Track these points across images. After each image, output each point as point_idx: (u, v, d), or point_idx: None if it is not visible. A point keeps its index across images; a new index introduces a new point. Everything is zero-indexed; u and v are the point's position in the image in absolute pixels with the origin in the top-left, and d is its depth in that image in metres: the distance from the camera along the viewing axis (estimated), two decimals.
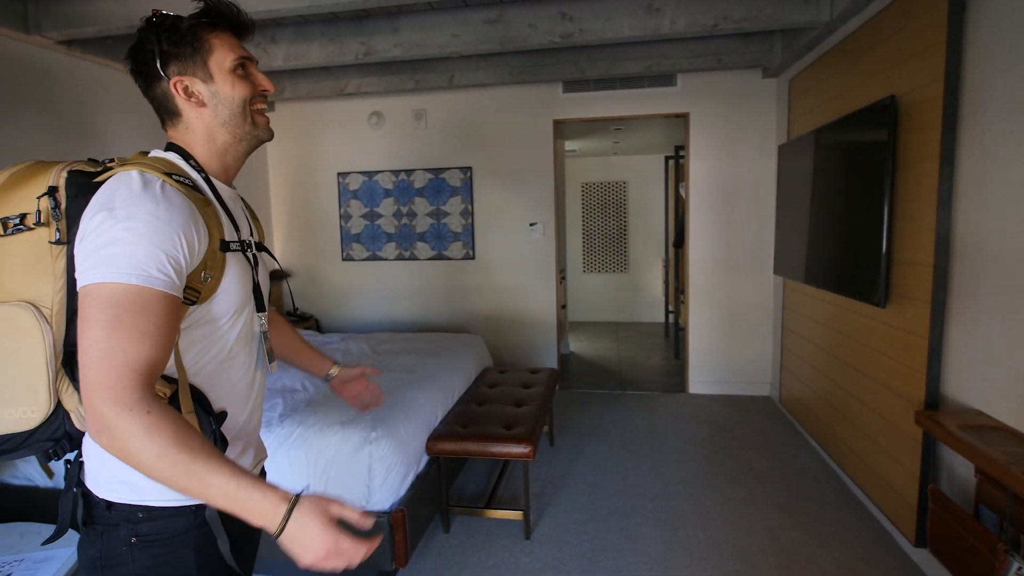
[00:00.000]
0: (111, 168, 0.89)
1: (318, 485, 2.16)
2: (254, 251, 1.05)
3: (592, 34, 3.21)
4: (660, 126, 5.37)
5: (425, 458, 2.50)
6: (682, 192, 5.50)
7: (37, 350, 0.87)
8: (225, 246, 0.94)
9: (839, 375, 3.04)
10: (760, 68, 4.12)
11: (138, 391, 0.77)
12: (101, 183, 0.87)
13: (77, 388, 0.89)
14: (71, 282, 0.86)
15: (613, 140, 6.23)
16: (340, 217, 4.95)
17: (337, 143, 4.89)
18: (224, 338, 0.96)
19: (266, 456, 1.18)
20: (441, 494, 2.59)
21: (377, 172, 4.82)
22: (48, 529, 1.77)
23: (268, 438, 2.23)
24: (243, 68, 0.99)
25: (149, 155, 0.95)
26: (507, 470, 3.12)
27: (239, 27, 1.00)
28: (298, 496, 0.80)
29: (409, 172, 4.77)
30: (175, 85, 0.94)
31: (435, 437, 2.53)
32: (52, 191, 0.87)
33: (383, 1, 2.71)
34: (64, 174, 0.89)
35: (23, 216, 0.87)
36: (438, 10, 3.31)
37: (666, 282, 6.37)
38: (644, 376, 5.01)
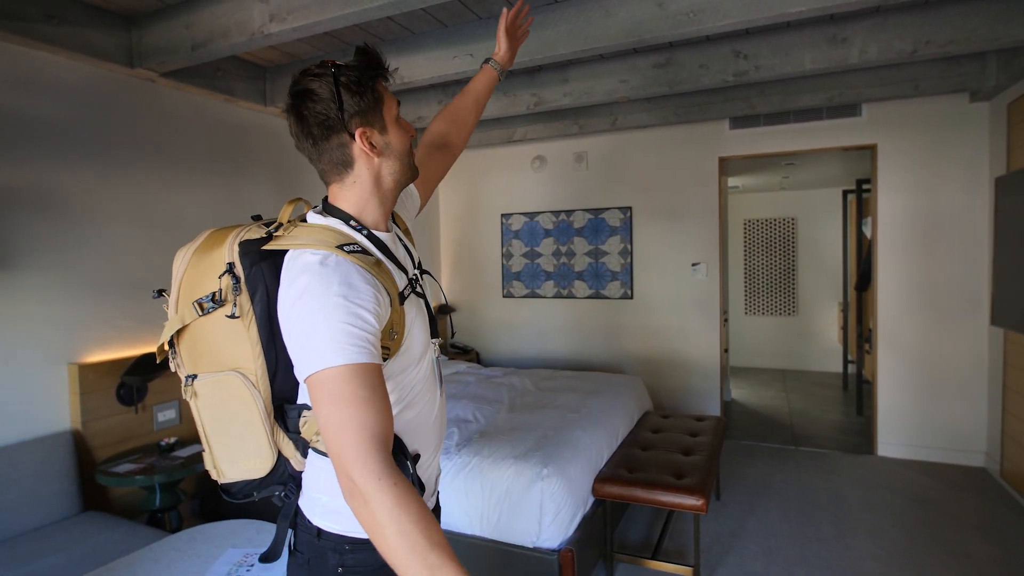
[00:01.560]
0: (277, 236, 0.93)
1: (492, 516, 2.25)
2: (421, 282, 1.07)
3: (769, 70, 3.07)
4: (838, 159, 4.96)
5: (591, 500, 2.49)
6: (865, 230, 5.00)
7: (252, 411, 0.94)
8: (402, 298, 0.96)
9: None
10: (967, 92, 3.66)
11: (378, 458, 0.78)
12: (269, 251, 0.92)
13: (290, 437, 0.98)
14: (266, 346, 0.93)
15: (782, 175, 5.86)
16: (502, 256, 5.21)
17: (501, 186, 5.18)
18: (414, 381, 1.01)
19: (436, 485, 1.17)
20: (606, 539, 2.55)
21: (538, 213, 5.02)
22: None
23: (447, 466, 2.39)
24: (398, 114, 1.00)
25: (308, 221, 0.97)
26: (671, 521, 2.99)
27: (387, 75, 0.98)
28: None
29: (569, 213, 4.90)
30: (361, 136, 0.93)
31: (602, 479, 2.52)
32: (230, 267, 0.92)
33: (555, 56, 2.83)
34: (236, 248, 0.92)
35: (213, 295, 0.92)
36: (607, 58, 3.40)
37: (844, 328, 5.76)
38: (820, 432, 4.53)
